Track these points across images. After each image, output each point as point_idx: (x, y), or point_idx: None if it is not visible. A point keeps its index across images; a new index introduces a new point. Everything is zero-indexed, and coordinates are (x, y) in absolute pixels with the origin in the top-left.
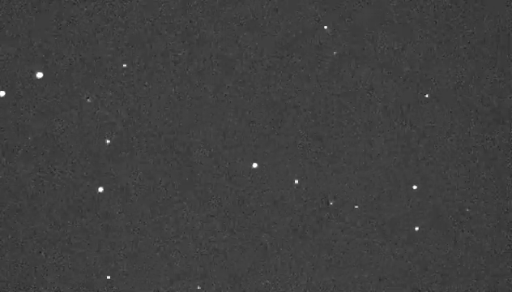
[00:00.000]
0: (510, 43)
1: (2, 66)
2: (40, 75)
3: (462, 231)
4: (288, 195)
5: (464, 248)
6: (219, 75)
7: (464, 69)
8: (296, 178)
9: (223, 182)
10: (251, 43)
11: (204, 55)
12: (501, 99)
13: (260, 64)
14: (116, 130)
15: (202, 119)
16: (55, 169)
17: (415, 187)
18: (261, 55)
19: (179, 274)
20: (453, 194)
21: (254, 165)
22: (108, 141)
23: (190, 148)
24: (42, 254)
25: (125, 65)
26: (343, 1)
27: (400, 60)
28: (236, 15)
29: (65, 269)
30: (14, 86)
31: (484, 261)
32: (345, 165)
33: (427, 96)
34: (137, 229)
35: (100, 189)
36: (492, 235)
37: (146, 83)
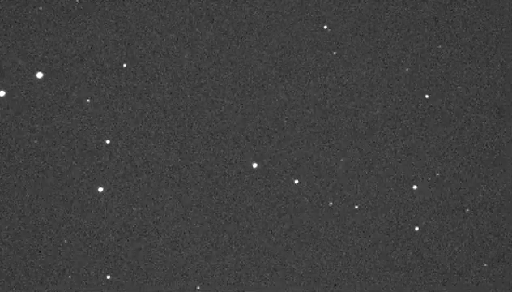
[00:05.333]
0: (510, 43)
1: (2, 66)
2: (40, 75)
3: (463, 231)
4: (288, 195)
5: (464, 248)
6: (219, 74)
7: (464, 69)
8: (296, 178)
9: (223, 181)
10: (252, 43)
11: (204, 55)
12: (501, 99)
13: (260, 63)
14: (116, 130)
15: (202, 119)
16: (55, 170)
17: (415, 187)
18: (261, 55)
19: (179, 274)
20: (453, 194)
21: (254, 165)
22: (108, 141)
23: (190, 147)
24: (42, 254)
25: (125, 65)
26: (343, 1)
27: (400, 60)
28: (236, 14)
29: (65, 269)
30: (14, 86)
31: (485, 261)
32: (345, 164)
33: (427, 96)
34: (136, 228)
35: (100, 189)
36: (493, 235)
37: (146, 83)
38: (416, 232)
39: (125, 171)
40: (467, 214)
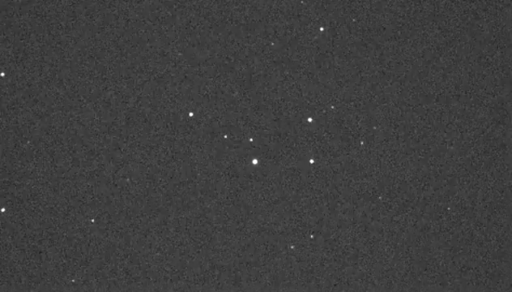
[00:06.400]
0: (510, 43)
1: (2, 67)
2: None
3: (463, 231)
4: (290, 192)
5: (464, 248)
6: (219, 73)
7: (464, 69)
8: (296, 177)
9: (223, 179)
10: (252, 42)
11: (204, 54)
12: (501, 99)
13: (260, 63)
14: (116, 129)
15: (202, 117)
16: (54, 169)
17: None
18: (261, 54)
19: (179, 274)
20: (452, 193)
21: (254, 162)
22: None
23: (190, 146)
24: (42, 254)
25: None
26: (344, 1)
27: (400, 60)
28: (236, 15)
29: (65, 269)
30: (14, 86)
31: (484, 261)
32: (345, 164)
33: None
34: (136, 228)
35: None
36: (492, 235)
37: (145, 82)
38: (416, 231)
39: (124, 170)
40: (466, 214)
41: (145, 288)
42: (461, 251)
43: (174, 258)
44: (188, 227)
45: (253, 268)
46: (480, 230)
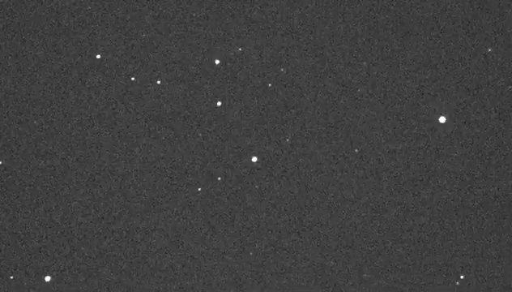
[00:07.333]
0: (510, 43)
1: (3, 66)
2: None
3: (462, 231)
4: (288, 192)
5: (464, 248)
6: (220, 72)
7: (465, 69)
8: (296, 177)
9: (222, 177)
10: (252, 42)
11: (204, 53)
12: (501, 99)
13: (260, 63)
14: (115, 128)
15: (203, 116)
16: (55, 169)
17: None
18: (261, 54)
19: (179, 274)
20: (454, 193)
21: (254, 159)
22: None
23: (190, 146)
24: (42, 253)
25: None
26: (344, 1)
27: (400, 60)
28: (236, 14)
29: (65, 269)
30: (15, 86)
31: (484, 261)
32: (345, 164)
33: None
34: (136, 228)
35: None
36: (493, 235)
37: (146, 80)
38: (417, 233)
39: (125, 169)
40: (467, 214)
41: (145, 288)
42: (462, 252)
43: (174, 258)
44: (187, 226)
45: (253, 268)
46: (480, 231)
